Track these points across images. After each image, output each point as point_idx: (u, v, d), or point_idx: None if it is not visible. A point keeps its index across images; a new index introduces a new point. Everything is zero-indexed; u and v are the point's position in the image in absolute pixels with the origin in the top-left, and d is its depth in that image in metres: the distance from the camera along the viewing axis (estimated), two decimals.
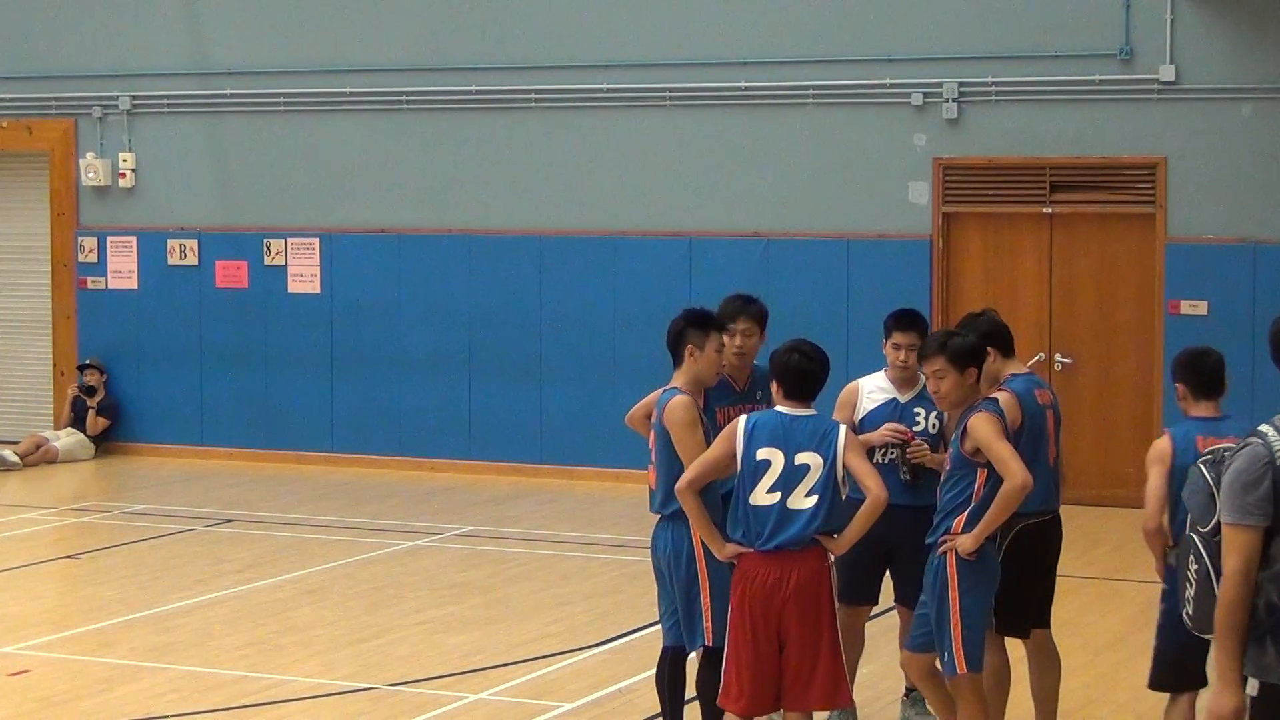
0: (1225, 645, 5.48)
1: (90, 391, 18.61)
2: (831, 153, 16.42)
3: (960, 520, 7.78)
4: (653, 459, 8.20)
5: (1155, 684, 7.84)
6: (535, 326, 17.32)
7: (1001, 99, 15.89)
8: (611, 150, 17.13)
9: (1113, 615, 12.02)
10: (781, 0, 16.54)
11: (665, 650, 8.35)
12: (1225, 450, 5.97)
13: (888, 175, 16.21)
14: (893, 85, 16.15)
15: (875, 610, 9.19)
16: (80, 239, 18.98)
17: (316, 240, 18.09)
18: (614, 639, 11.19)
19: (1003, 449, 7.69)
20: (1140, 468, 16.20)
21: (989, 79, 15.89)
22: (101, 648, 11.05)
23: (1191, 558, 5.91)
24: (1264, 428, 5.55)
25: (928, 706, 8.52)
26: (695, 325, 8.20)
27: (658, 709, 8.57)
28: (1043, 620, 8.60)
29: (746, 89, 16.62)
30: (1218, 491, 5.85)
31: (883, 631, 9.89)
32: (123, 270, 18.83)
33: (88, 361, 18.80)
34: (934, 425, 8.76)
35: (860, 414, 8.82)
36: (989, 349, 8.40)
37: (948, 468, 8.03)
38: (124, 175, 18.78)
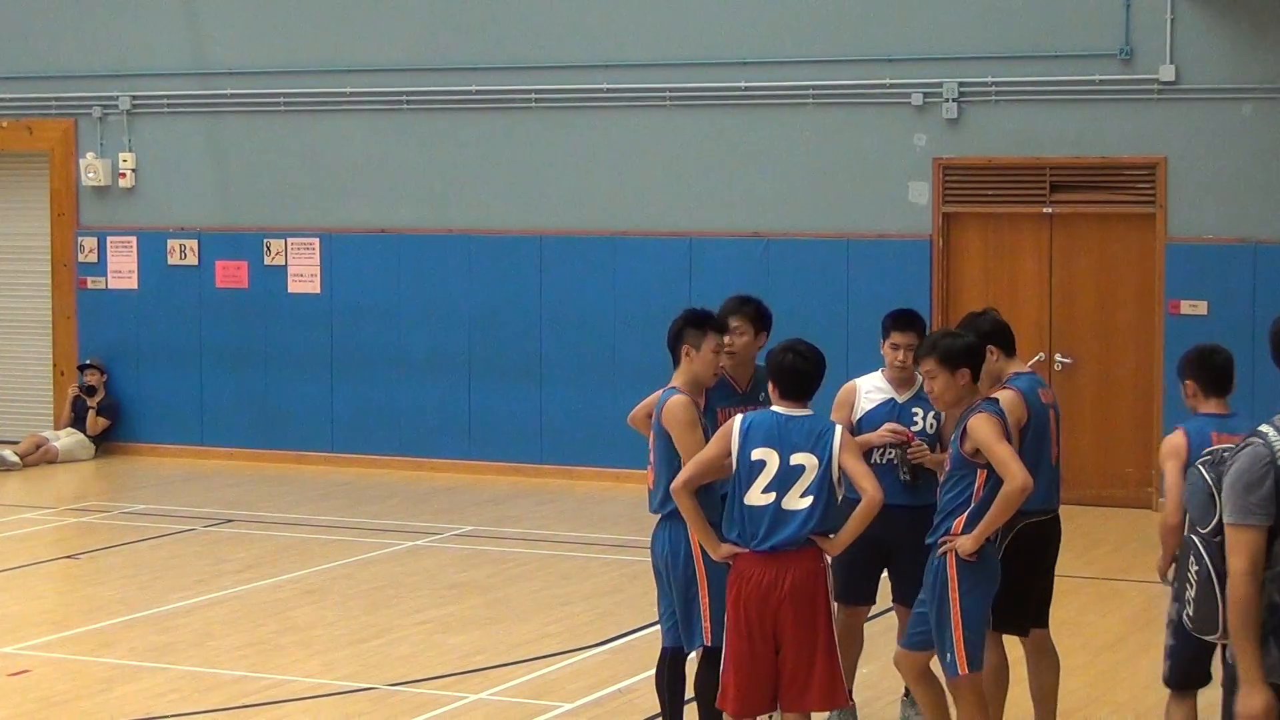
0: (1243, 645, 5.44)
1: (90, 391, 18.61)
2: (831, 153, 16.42)
3: (960, 521, 7.77)
4: (651, 459, 8.21)
5: (1174, 682, 7.80)
6: (535, 326, 17.32)
7: (1001, 99, 15.89)
8: (611, 150, 17.13)
9: (1113, 615, 12.02)
10: (781, 0, 16.54)
11: (665, 651, 8.35)
12: (1224, 451, 5.97)
13: (888, 175, 16.21)
14: (893, 85, 16.15)
15: (874, 610, 9.19)
16: (80, 239, 18.98)
17: (316, 240, 18.09)
18: (614, 639, 11.19)
19: (1002, 450, 7.66)
20: (1140, 468, 16.34)
21: (989, 79, 15.89)
22: (101, 648, 11.05)
23: (1192, 559, 5.91)
24: (1264, 428, 5.55)
25: (918, 707, 8.49)
26: (693, 325, 8.21)
27: (658, 709, 8.58)
28: (1042, 620, 8.60)
29: (746, 89, 16.62)
30: (1217, 492, 5.84)
31: (882, 631, 9.89)
32: (123, 270, 18.83)
33: (88, 361, 18.81)
34: (932, 425, 8.76)
35: (858, 414, 8.81)
36: (991, 348, 8.40)
37: (947, 468, 8.02)
38: (124, 175, 18.78)
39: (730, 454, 7.61)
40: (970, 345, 8.00)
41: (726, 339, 8.62)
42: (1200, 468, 6.04)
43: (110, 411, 18.70)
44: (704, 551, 7.90)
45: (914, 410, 8.77)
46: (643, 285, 16.87)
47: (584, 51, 17.11)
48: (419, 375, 17.72)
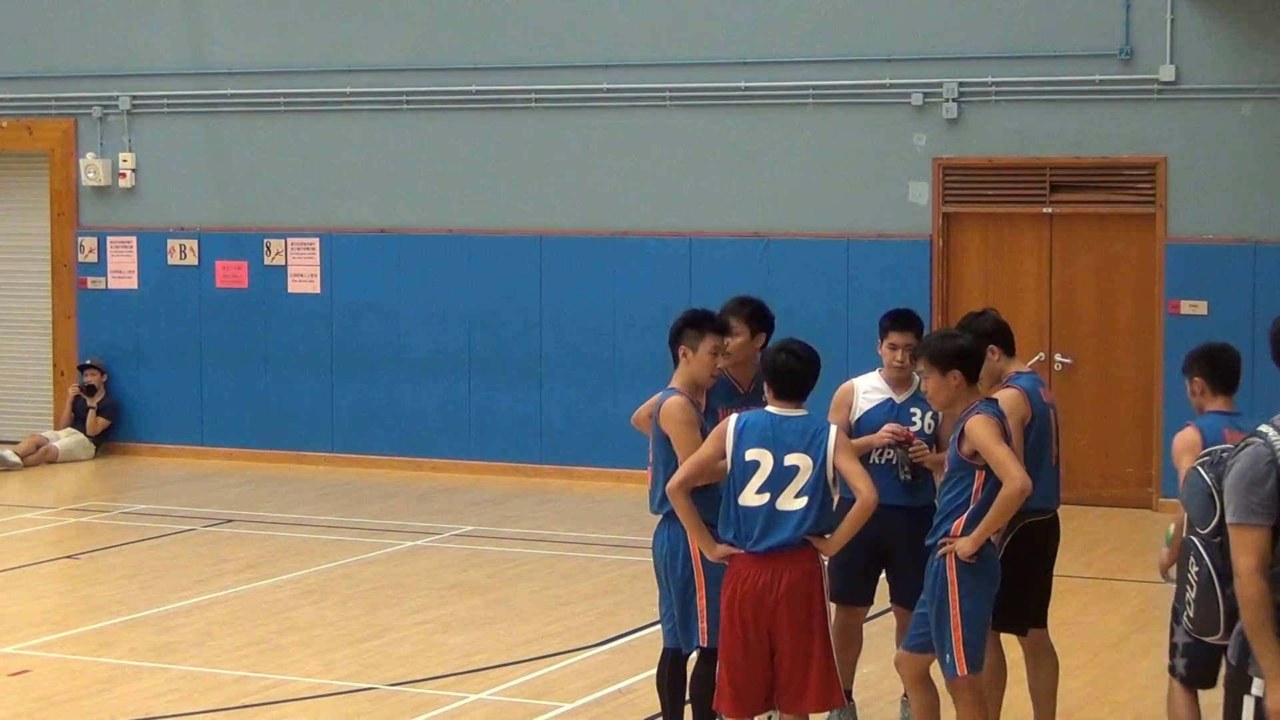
0: (1263, 641, 5.41)
1: (90, 391, 18.61)
2: (831, 153, 16.42)
3: (959, 523, 7.75)
4: (651, 459, 8.20)
5: (1194, 680, 7.78)
6: (535, 326, 17.32)
7: (1001, 99, 15.89)
8: (611, 150, 17.13)
9: (1113, 615, 12.02)
10: (781, 0, 16.54)
11: (666, 651, 8.35)
12: (1222, 452, 5.97)
13: (888, 175, 16.21)
14: (893, 85, 16.15)
15: (874, 610, 9.19)
16: (80, 239, 18.98)
17: (316, 240, 18.09)
18: (614, 639, 11.19)
19: (1000, 452, 7.63)
20: (1140, 468, 16.35)
21: (989, 79, 15.89)
22: (101, 648, 11.05)
23: (1192, 560, 5.91)
24: (1264, 428, 5.55)
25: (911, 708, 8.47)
26: (691, 326, 8.20)
27: (658, 709, 8.58)
28: (1040, 619, 8.60)
29: (746, 89, 16.62)
30: (1217, 493, 5.84)
31: (882, 631, 9.88)
32: (123, 270, 18.83)
33: (88, 361, 18.81)
34: (929, 426, 8.75)
35: (856, 414, 8.79)
36: (992, 348, 8.40)
37: (946, 469, 8.00)
38: (124, 175, 18.78)
39: (725, 454, 7.59)
40: (962, 347, 7.91)
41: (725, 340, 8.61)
42: (1199, 468, 6.04)
43: (110, 411, 18.70)
44: (702, 553, 7.90)
45: (912, 410, 8.77)
46: (643, 285, 16.87)
47: (584, 51, 17.11)
48: (419, 375, 17.72)
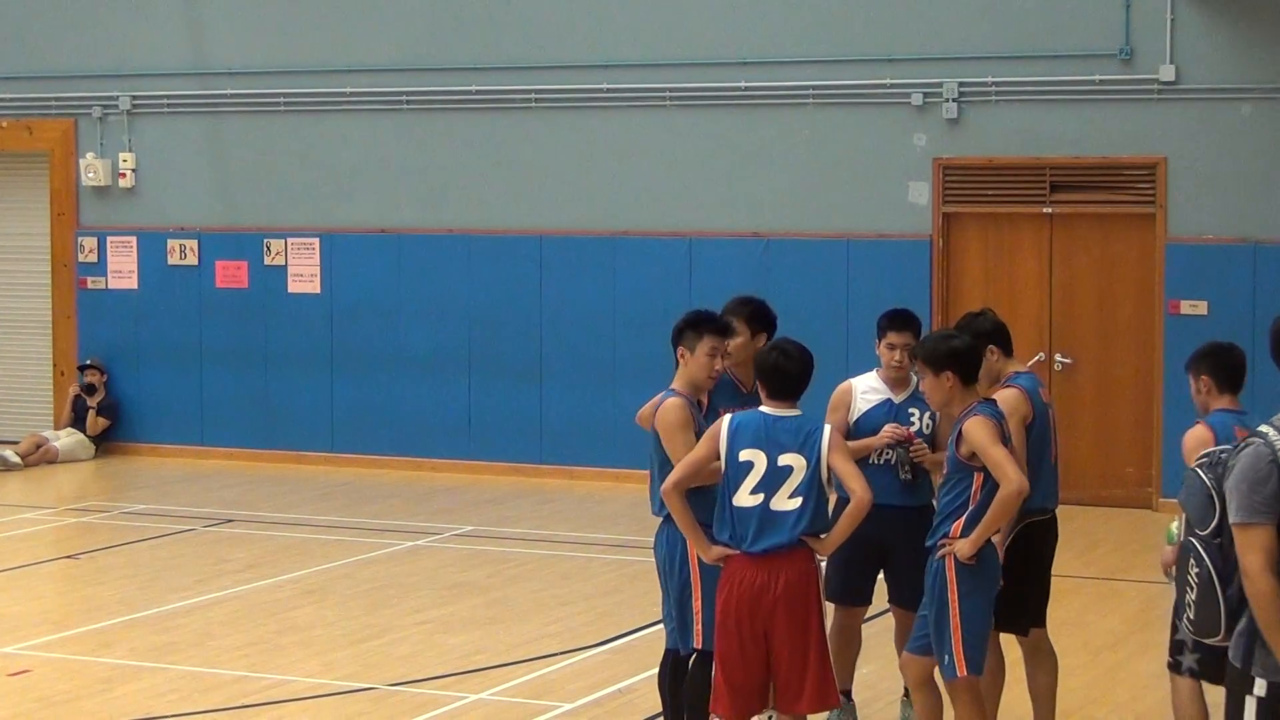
0: (1277, 639, 5.40)
1: (91, 391, 18.61)
2: (831, 153, 16.42)
3: (959, 524, 7.74)
4: (651, 460, 8.20)
5: (1208, 675, 7.76)
6: (535, 326, 17.32)
7: (1001, 99, 15.89)
8: (611, 150, 17.13)
9: (1113, 615, 12.02)
10: (781, 0, 16.54)
11: (668, 652, 8.34)
12: (1220, 453, 5.95)
13: (888, 175, 16.21)
14: (893, 85, 16.15)
15: (873, 610, 9.19)
16: (80, 239, 18.98)
17: (316, 240, 18.09)
18: (614, 639, 11.19)
19: (998, 453, 7.61)
20: (1140, 468, 16.33)
21: (989, 79, 15.89)
22: (101, 648, 11.05)
23: (1192, 561, 5.89)
24: (1264, 428, 5.54)
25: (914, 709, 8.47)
26: (689, 327, 8.18)
27: (658, 709, 8.58)
28: (1039, 619, 8.60)
29: (746, 89, 16.62)
30: (1216, 494, 5.83)
31: (881, 632, 9.88)
32: (123, 270, 18.83)
33: (88, 361, 18.81)
34: (928, 426, 8.75)
35: (855, 415, 8.78)
36: (991, 348, 8.40)
37: (945, 470, 8.00)
38: (124, 175, 18.78)
39: (719, 455, 7.57)
40: (955, 349, 7.86)
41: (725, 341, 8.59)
42: (1198, 469, 6.02)
43: (110, 411, 18.70)
44: (699, 555, 7.88)
45: (910, 410, 8.76)
46: (643, 285, 16.87)
47: (584, 51, 17.11)
48: (419, 375, 17.72)
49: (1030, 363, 14.58)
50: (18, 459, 18.13)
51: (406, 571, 13.33)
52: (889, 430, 8.68)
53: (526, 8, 17.33)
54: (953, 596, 7.73)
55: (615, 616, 11.79)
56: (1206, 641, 5.85)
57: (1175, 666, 7.87)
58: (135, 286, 18.79)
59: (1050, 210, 15.84)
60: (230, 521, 15.30)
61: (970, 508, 7.72)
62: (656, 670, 8.55)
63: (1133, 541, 14.36)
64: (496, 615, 11.90)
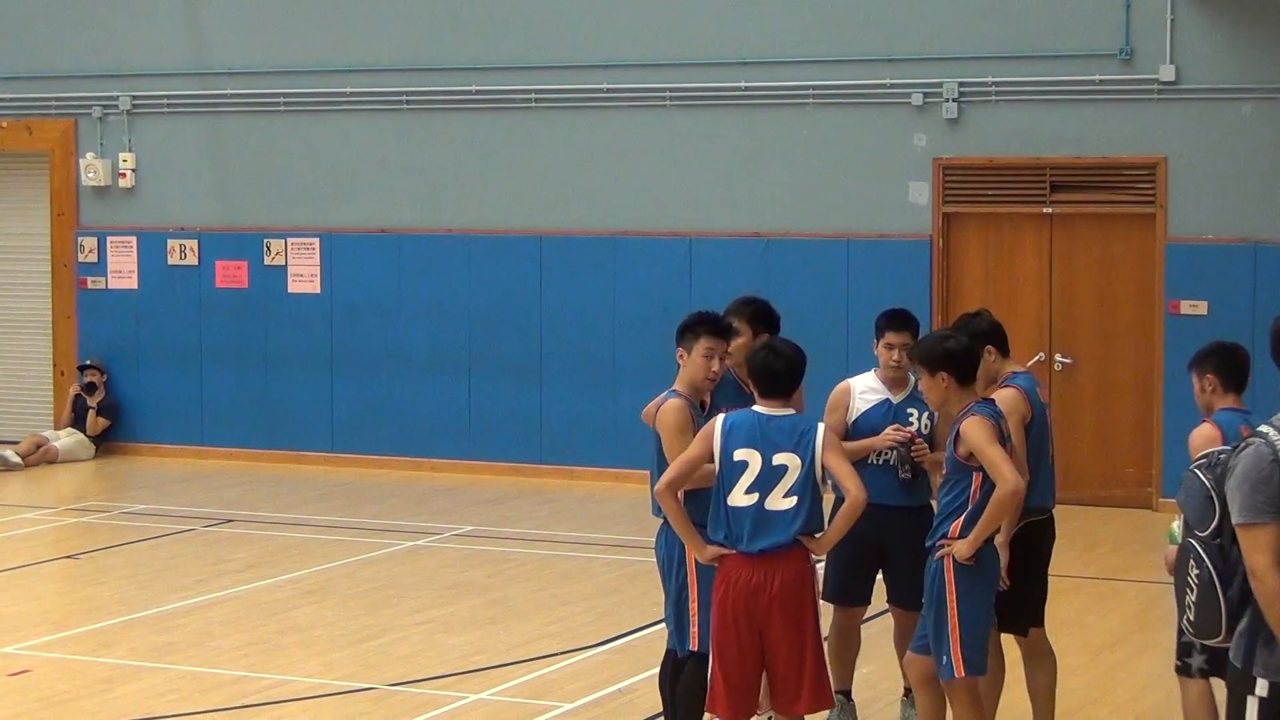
0: None
1: (91, 391, 18.61)
2: (831, 153, 16.42)
3: (958, 524, 7.73)
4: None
5: (1219, 671, 7.75)
6: (535, 326, 17.32)
7: (1001, 99, 15.89)
8: (611, 150, 17.13)
9: (1113, 615, 12.02)
10: (781, 0, 16.53)
11: (669, 652, 8.33)
12: (1219, 454, 5.95)
13: (888, 175, 16.20)
14: (893, 85, 16.15)
15: (873, 610, 9.19)
16: (80, 239, 18.98)
17: (316, 240, 18.09)
18: (614, 639, 11.19)
19: (994, 453, 7.58)
20: (1140, 468, 16.32)
21: (989, 79, 15.89)
22: (101, 648, 11.05)
23: (1192, 562, 5.88)
24: (1264, 428, 5.53)
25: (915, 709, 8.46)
26: (689, 328, 8.18)
27: (658, 709, 8.58)
28: (1038, 619, 8.60)
29: (746, 89, 16.62)
30: (1216, 495, 5.82)
31: (881, 632, 9.88)
32: (123, 270, 18.83)
33: (88, 361, 18.81)
34: (926, 426, 8.75)
35: (853, 415, 8.77)
36: (989, 348, 8.40)
37: (945, 470, 8.00)
38: (124, 175, 18.78)
39: (713, 455, 7.55)
40: (950, 349, 7.83)
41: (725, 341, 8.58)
42: (1197, 470, 6.01)
43: (110, 411, 18.70)
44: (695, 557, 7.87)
45: (909, 410, 8.76)
46: (643, 285, 16.87)
47: (584, 51, 17.11)
48: (419, 375, 17.72)
49: (1030, 363, 14.59)
50: (18, 459, 18.13)
51: (406, 571, 13.33)
52: (891, 432, 8.68)
53: (526, 8, 17.32)
54: (951, 597, 7.73)
55: (615, 616, 11.79)
56: (1207, 643, 5.83)
57: (1184, 669, 7.85)
58: (135, 286, 18.79)
59: (1050, 210, 15.84)
60: (230, 521, 15.30)
61: (969, 508, 7.71)
62: (656, 670, 8.55)
63: (1133, 542, 14.36)
64: (496, 615, 11.90)
